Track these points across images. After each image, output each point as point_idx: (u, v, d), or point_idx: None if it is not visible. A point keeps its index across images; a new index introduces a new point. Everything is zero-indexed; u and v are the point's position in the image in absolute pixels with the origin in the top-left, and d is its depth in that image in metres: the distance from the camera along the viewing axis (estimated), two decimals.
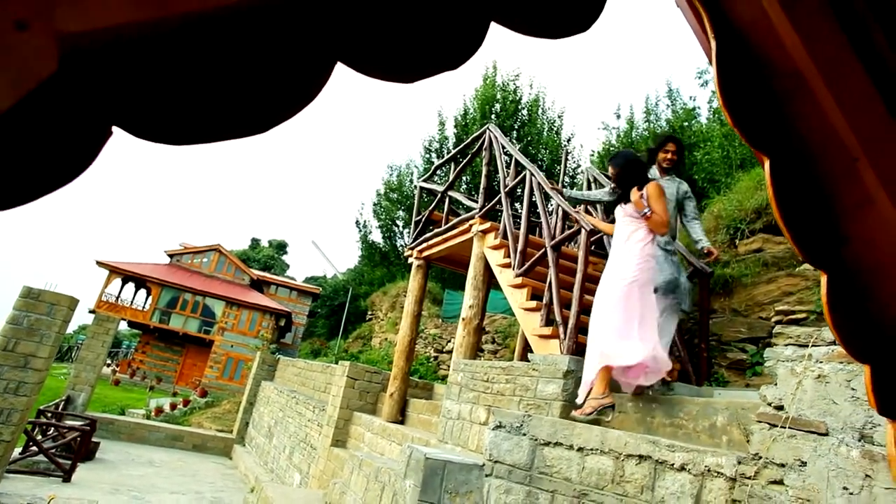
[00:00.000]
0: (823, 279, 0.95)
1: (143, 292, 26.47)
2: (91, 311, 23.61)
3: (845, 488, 1.57)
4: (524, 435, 2.74)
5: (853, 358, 0.95)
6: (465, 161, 7.13)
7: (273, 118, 0.54)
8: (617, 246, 3.32)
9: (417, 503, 2.67)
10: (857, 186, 0.84)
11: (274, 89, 0.53)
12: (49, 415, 9.51)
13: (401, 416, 6.57)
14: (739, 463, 2.00)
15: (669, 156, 3.97)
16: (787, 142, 0.90)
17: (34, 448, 7.86)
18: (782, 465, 1.82)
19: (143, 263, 26.11)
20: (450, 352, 11.04)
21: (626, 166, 3.40)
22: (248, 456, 11.93)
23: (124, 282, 25.65)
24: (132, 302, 26.27)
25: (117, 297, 25.53)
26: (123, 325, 28.42)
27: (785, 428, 1.87)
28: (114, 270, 24.72)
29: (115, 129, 0.48)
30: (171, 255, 27.86)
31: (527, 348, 5.73)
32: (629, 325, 2.98)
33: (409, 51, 0.61)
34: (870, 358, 0.95)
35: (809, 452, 1.75)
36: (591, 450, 2.55)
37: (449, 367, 8.12)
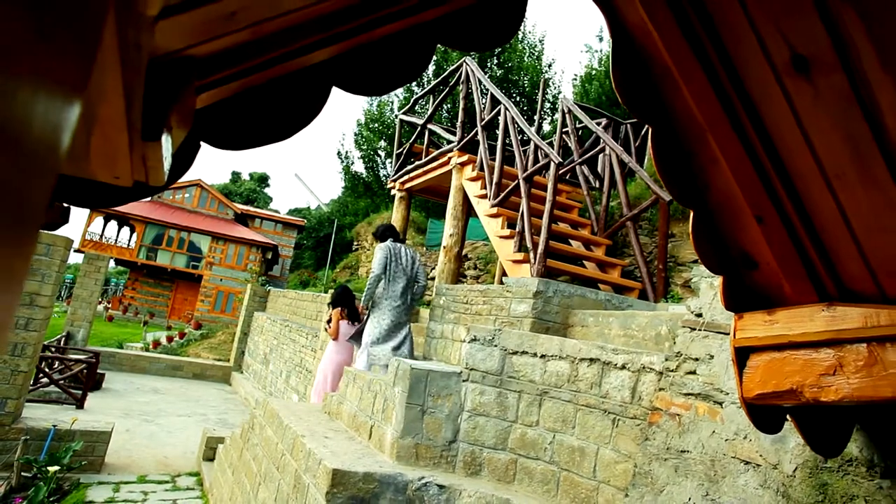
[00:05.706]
0: (692, 215, 1.29)
1: (126, 230, 26.42)
2: (77, 251, 23.63)
3: None
4: (496, 346, 3.18)
5: (711, 271, 1.31)
6: (443, 93, 7.23)
7: (294, 129, 0.84)
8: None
9: (406, 405, 3.14)
10: (709, 149, 1.17)
11: (296, 111, 0.82)
12: (53, 349, 9.95)
13: None
14: (666, 360, 2.45)
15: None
16: (664, 115, 1.21)
17: (45, 379, 8.35)
18: (696, 360, 2.27)
19: None
20: (433, 278, 11.53)
21: (340, 296, 5.86)
22: (247, 381, 12.63)
23: (106, 220, 25.53)
24: (116, 240, 26.27)
25: (101, 236, 25.51)
26: (111, 264, 28.53)
27: (701, 331, 2.29)
28: (95, 209, 24.53)
29: (202, 143, 0.79)
30: None
31: (506, 273, 6.16)
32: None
33: (380, 75, 0.90)
34: (722, 270, 1.31)
35: (716, 348, 2.18)
36: (552, 356, 3.00)
37: (433, 292, 8.60)
